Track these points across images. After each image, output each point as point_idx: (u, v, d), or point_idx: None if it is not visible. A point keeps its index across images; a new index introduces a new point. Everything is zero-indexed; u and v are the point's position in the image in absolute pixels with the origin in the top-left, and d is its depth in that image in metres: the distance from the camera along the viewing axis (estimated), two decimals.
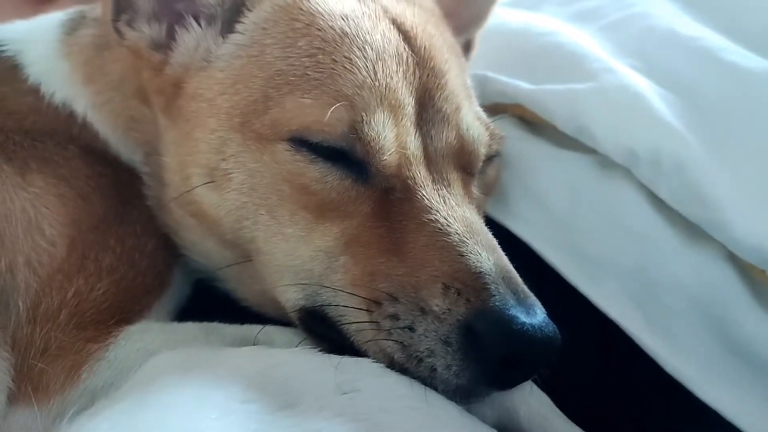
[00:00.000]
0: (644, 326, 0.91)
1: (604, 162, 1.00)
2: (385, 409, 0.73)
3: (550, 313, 0.80)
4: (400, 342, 0.80)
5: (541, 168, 1.05)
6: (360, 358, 0.80)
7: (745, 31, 1.09)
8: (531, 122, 1.10)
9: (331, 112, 0.86)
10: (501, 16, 1.30)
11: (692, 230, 0.92)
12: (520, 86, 1.11)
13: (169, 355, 0.80)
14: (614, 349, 0.93)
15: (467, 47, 1.24)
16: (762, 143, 0.94)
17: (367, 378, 0.77)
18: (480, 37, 1.26)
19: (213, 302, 1.02)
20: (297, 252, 0.90)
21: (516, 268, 0.85)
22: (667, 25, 1.14)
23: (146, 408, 0.71)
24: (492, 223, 0.95)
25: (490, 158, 1.00)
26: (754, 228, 0.87)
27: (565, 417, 0.84)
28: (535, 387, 0.85)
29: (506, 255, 0.86)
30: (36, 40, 1.11)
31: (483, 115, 1.02)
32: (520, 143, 1.07)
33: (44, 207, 0.93)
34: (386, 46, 0.94)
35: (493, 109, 1.09)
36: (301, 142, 0.88)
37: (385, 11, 0.99)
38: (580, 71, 1.09)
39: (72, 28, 1.12)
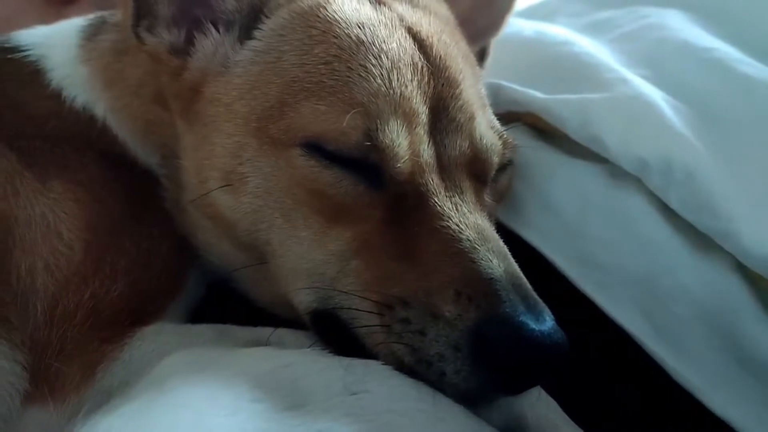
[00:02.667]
0: (653, 334, 0.92)
1: (616, 171, 1.00)
2: (392, 410, 0.74)
3: (559, 320, 0.81)
4: (411, 345, 0.81)
5: (552, 176, 1.05)
6: (369, 360, 0.81)
7: (757, 42, 1.10)
8: (543, 131, 1.11)
9: (347, 120, 0.87)
10: (515, 25, 1.31)
11: (702, 240, 0.92)
12: (534, 95, 1.11)
13: (180, 355, 0.81)
14: (622, 356, 0.93)
15: (482, 55, 1.25)
16: None
17: (375, 379, 0.77)
18: (494, 45, 1.27)
19: (227, 304, 1.04)
20: (310, 255, 0.91)
21: (526, 275, 0.85)
22: (680, 37, 1.14)
23: (157, 407, 0.72)
24: (503, 230, 0.95)
25: (503, 166, 1.01)
26: (763, 238, 0.87)
27: (573, 423, 0.84)
28: (543, 392, 0.85)
29: (516, 262, 0.87)
30: (57, 45, 1.13)
31: (497, 123, 1.03)
32: (532, 151, 1.08)
33: (62, 212, 0.94)
34: (401, 54, 0.94)
35: (507, 117, 1.09)
36: (316, 148, 0.89)
37: (401, 20, 1.00)
38: (593, 81, 1.10)
39: (92, 33, 1.14)
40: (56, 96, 1.07)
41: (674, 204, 0.95)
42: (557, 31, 1.28)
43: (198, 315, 1.03)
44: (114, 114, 1.07)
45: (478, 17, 1.22)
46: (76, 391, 0.87)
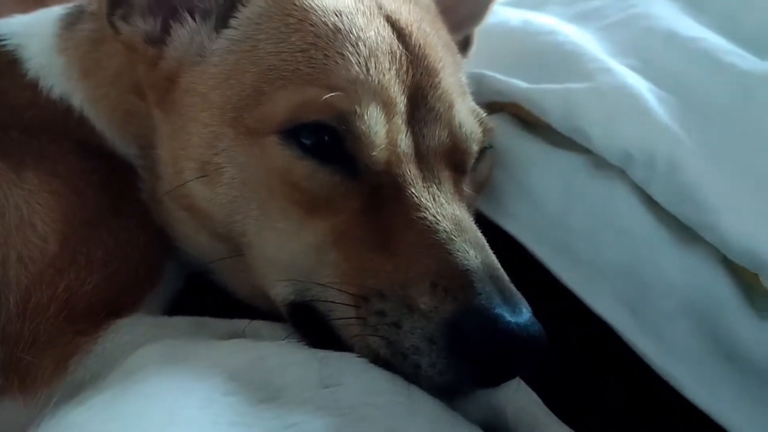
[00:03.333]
0: (635, 327, 0.91)
1: (599, 162, 0.99)
2: (367, 403, 0.73)
3: (539, 312, 0.80)
4: (386, 338, 0.80)
5: (535, 167, 1.04)
6: (344, 353, 0.80)
7: (745, 33, 1.08)
8: (526, 121, 1.09)
9: (325, 97, 0.86)
10: (503, 15, 1.30)
11: (685, 232, 0.91)
12: (517, 85, 1.10)
13: (153, 347, 0.80)
14: (605, 349, 0.92)
15: (465, 43, 1.24)
16: (758, 145, 0.93)
17: (350, 372, 0.76)
18: (480, 34, 1.26)
19: (205, 296, 1.03)
20: (287, 247, 0.90)
21: (507, 266, 0.85)
22: (667, 26, 1.13)
23: (129, 398, 0.71)
24: (484, 222, 0.94)
25: (482, 151, 1.00)
26: (746, 231, 0.86)
27: (553, 415, 0.84)
28: (522, 384, 0.84)
29: (496, 253, 0.86)
30: (35, 35, 1.11)
31: (477, 107, 1.02)
32: (515, 142, 1.07)
33: (37, 203, 0.93)
34: (379, 43, 0.93)
35: (490, 107, 1.08)
36: (291, 134, 0.88)
37: (380, 8, 0.99)
38: (576, 71, 1.08)
39: (70, 22, 1.12)
40: (33, 86, 1.06)
41: (658, 196, 0.94)
42: (544, 21, 1.26)
43: (175, 307, 1.02)
44: (91, 104, 1.06)
45: (460, 6, 1.20)
46: (47, 384, 0.86)
